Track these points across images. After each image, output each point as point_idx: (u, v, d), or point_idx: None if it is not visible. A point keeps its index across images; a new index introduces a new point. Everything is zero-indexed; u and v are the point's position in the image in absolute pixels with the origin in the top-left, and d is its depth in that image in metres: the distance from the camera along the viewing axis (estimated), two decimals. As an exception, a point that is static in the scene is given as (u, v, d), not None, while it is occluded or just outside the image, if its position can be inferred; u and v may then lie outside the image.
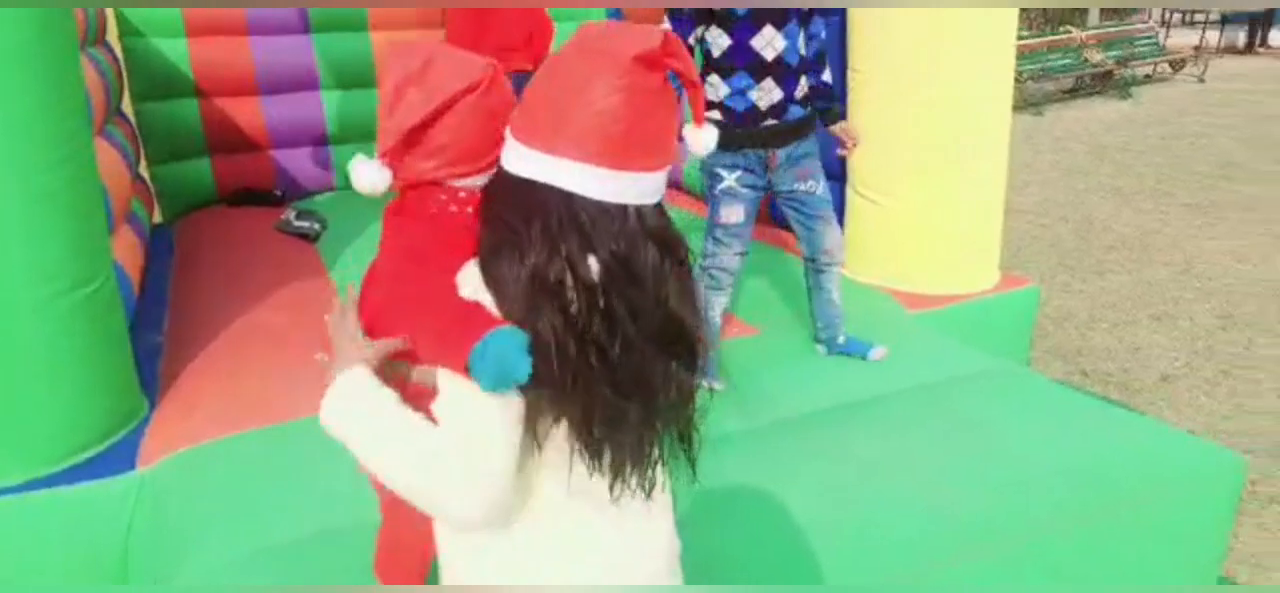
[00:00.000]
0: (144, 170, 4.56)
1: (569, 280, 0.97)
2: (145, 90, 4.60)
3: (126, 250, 3.20)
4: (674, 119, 1.02)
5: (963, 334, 3.21)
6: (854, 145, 2.83)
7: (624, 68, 0.95)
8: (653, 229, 1.01)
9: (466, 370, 0.96)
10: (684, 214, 4.58)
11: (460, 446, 1.00)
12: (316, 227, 4.10)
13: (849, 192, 3.61)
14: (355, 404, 1.07)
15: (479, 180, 1.18)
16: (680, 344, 1.05)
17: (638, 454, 1.05)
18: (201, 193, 4.76)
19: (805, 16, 2.59)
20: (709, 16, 2.53)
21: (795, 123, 2.64)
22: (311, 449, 2.12)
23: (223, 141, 4.81)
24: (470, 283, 1.03)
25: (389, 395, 1.06)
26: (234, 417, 2.44)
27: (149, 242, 3.85)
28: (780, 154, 2.62)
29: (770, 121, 2.58)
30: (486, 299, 1.00)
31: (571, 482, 1.03)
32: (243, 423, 2.40)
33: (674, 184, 5.11)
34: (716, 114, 2.56)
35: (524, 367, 0.95)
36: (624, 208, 0.98)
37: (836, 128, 2.78)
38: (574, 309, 0.97)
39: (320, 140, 4.99)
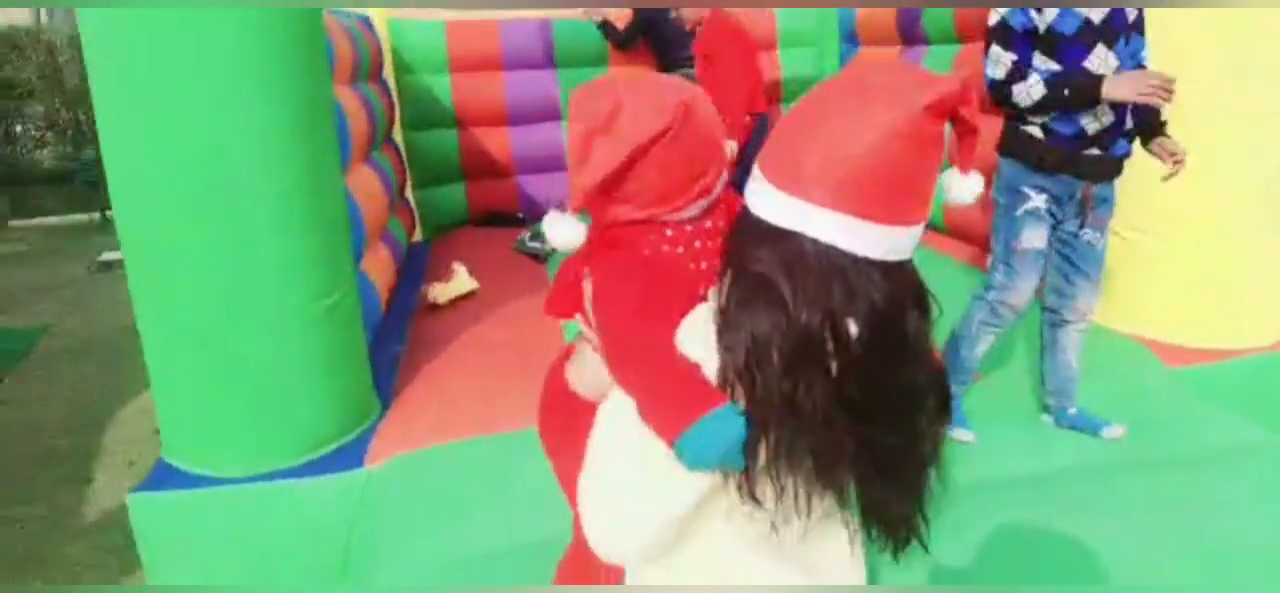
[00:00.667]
0: (409, 193, 5.09)
1: (831, 343, 0.91)
2: (414, 120, 5.12)
3: (379, 267, 3.57)
4: (939, 166, 0.93)
5: (1233, 398, 2.77)
6: (1179, 163, 2.38)
7: (914, 115, 0.86)
8: (911, 285, 0.95)
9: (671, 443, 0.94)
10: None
11: (635, 487, 0.99)
12: (548, 247, 4.34)
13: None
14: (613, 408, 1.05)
15: (690, 211, 1.13)
16: (938, 403, 0.99)
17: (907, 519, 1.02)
18: (456, 214, 5.22)
19: (1128, 31, 2.29)
20: (1032, 41, 2.28)
21: (1120, 159, 2.38)
22: (516, 459, 2.25)
23: (476, 167, 5.24)
24: (697, 336, 0.98)
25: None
26: (451, 423, 2.62)
27: (403, 259, 4.26)
28: (1095, 190, 2.36)
29: (1094, 151, 2.32)
30: (712, 358, 0.96)
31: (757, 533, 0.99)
32: (458, 430, 2.58)
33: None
34: (1035, 130, 2.34)
35: (737, 460, 0.93)
36: (886, 263, 0.91)
37: (1158, 144, 2.40)
38: (834, 374, 0.92)
39: (559, 166, 5.28)
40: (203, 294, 2.27)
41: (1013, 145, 2.40)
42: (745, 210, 0.97)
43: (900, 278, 0.93)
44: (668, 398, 0.96)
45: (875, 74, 0.90)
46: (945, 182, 1.02)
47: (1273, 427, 2.57)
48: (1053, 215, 2.41)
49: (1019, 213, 2.40)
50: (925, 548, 1.03)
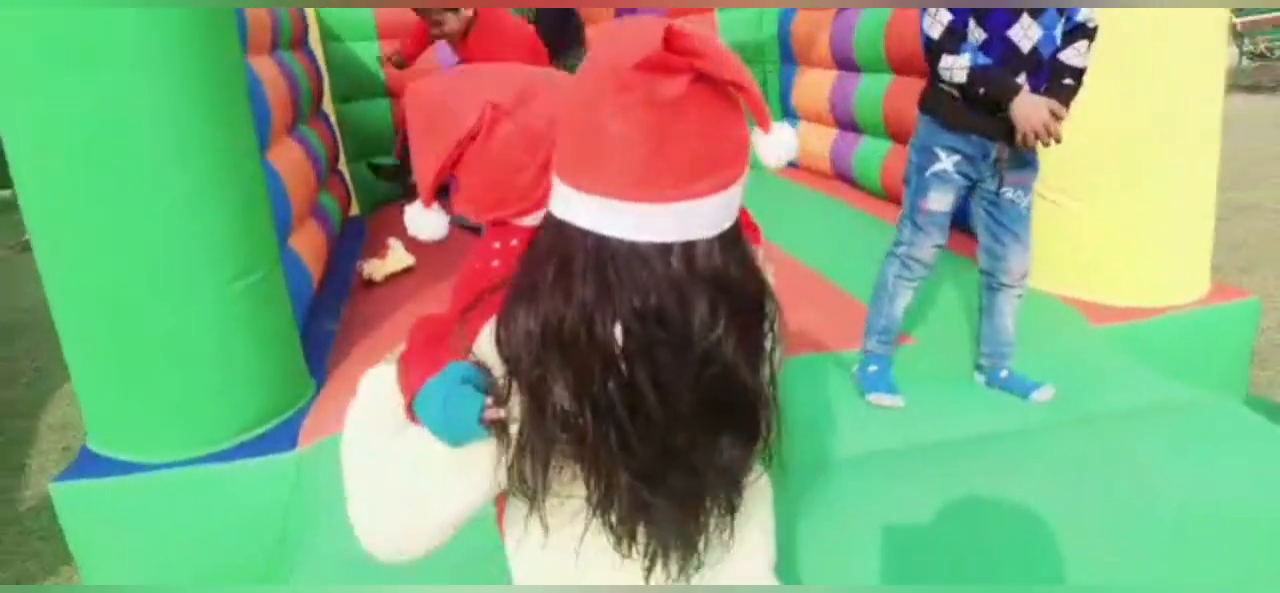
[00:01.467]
0: (343, 166, 4.96)
1: (586, 338, 0.82)
2: (345, 91, 4.98)
3: (309, 243, 3.47)
4: (728, 127, 0.82)
5: (1160, 356, 2.84)
6: (1051, 125, 2.36)
7: (624, 81, 0.77)
8: (705, 272, 0.82)
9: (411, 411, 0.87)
10: (850, 209, 4.38)
11: (391, 474, 0.93)
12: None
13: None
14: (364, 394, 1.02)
15: (532, 218, 1.09)
16: (735, 414, 0.88)
17: (680, 536, 0.91)
18: (392, 188, 5.10)
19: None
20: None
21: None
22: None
23: (412, 138, 5.12)
24: (485, 339, 0.90)
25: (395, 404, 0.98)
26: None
27: (337, 234, 4.16)
28: (1008, 151, 2.37)
29: (1006, 112, 2.31)
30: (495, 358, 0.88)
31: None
32: (392, 410, 2.54)
33: (843, 177, 4.92)
34: (950, 90, 2.34)
35: (470, 424, 0.85)
36: (665, 248, 0.81)
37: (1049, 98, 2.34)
38: (590, 374, 0.82)
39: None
40: (116, 277, 2.19)
41: (930, 102, 2.42)
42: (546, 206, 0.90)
43: (689, 265, 0.82)
44: (411, 357, 0.93)
45: (598, 42, 0.83)
46: (756, 147, 0.91)
47: (1195, 383, 2.65)
48: (967, 176, 2.43)
49: (928, 173, 2.43)
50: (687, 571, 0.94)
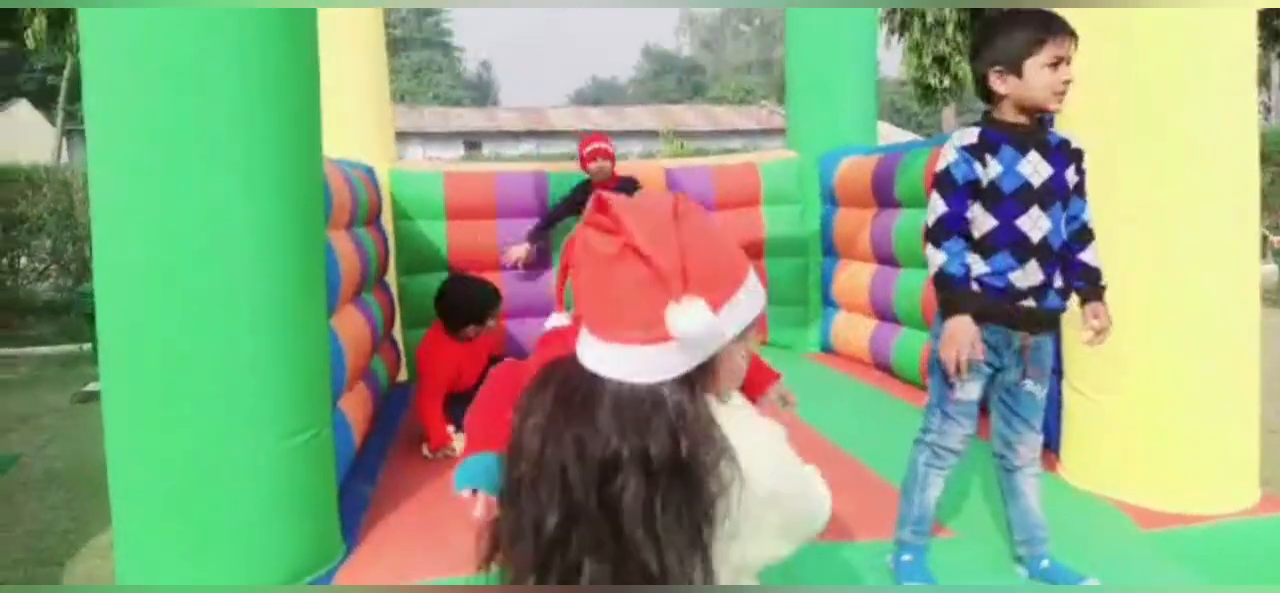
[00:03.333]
0: (398, 333, 5.15)
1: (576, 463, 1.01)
2: (408, 264, 5.24)
3: (357, 405, 3.59)
4: (653, 292, 0.99)
5: (1210, 565, 2.73)
6: (1104, 325, 2.44)
7: (582, 239, 1.04)
8: (663, 409, 1.01)
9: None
10: (889, 398, 4.36)
11: None
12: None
13: (1064, 387, 3.28)
14: None
15: None
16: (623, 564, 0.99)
17: None
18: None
19: (1067, 196, 2.40)
20: (974, 193, 2.36)
21: (1053, 312, 2.45)
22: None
23: (466, 311, 5.33)
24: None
25: None
26: (410, 567, 2.58)
27: (382, 398, 4.28)
28: (1032, 342, 2.43)
29: (1028, 303, 2.38)
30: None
31: None
32: (415, 573, 2.54)
33: (882, 366, 4.94)
34: (972, 285, 2.39)
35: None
36: (655, 389, 1.01)
37: (1092, 307, 2.44)
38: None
39: (549, 311, 5.37)
40: (176, 420, 2.29)
41: (950, 300, 2.42)
42: None
43: (655, 402, 1.01)
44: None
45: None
46: (670, 317, 1.00)
47: (1248, 596, 2.53)
48: (991, 365, 2.46)
49: None
50: None
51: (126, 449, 2.37)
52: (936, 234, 2.38)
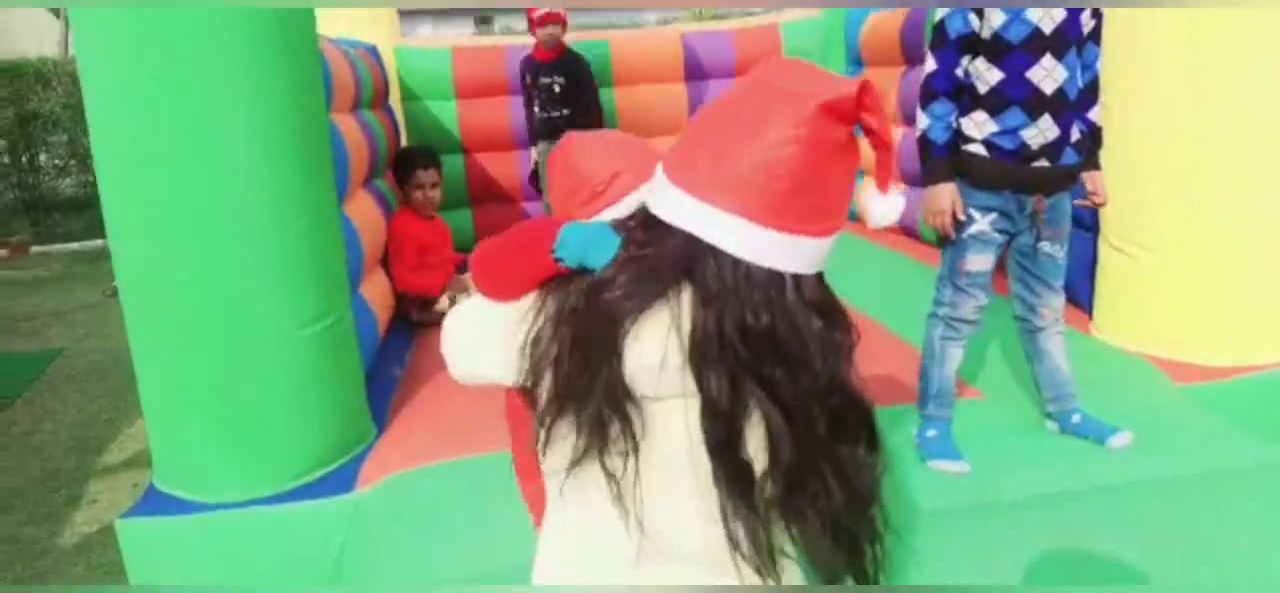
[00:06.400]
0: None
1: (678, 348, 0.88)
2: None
3: (378, 293, 3.57)
4: (852, 181, 0.90)
5: (1244, 416, 2.69)
6: (1102, 201, 2.49)
7: (806, 116, 0.83)
8: (813, 302, 0.89)
9: (552, 256, 0.95)
10: (913, 262, 4.30)
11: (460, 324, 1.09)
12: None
13: (1101, 245, 3.19)
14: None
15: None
16: (858, 426, 0.93)
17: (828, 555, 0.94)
18: (462, 240, 5.22)
19: (1082, 41, 2.26)
20: (974, 46, 2.24)
21: (1070, 169, 2.33)
22: (509, 479, 2.24)
23: (483, 192, 5.26)
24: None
25: None
26: (445, 445, 2.60)
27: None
28: (1047, 203, 2.32)
29: (1042, 163, 2.26)
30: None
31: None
32: (452, 451, 2.56)
33: (905, 230, 4.84)
34: (976, 148, 2.28)
35: (608, 245, 0.92)
36: (778, 277, 0.87)
37: (1089, 177, 2.44)
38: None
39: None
40: (194, 317, 2.28)
41: (957, 165, 2.33)
42: (641, 205, 0.96)
43: (800, 295, 0.89)
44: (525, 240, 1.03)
45: (777, 74, 0.88)
46: (862, 202, 0.98)
47: (1282, 445, 2.50)
48: (1005, 231, 2.37)
49: (965, 236, 2.36)
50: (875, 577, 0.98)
51: (148, 348, 2.37)
52: (923, 95, 2.27)
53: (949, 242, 2.42)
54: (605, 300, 0.90)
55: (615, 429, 0.91)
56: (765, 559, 0.92)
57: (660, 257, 0.89)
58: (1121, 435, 2.42)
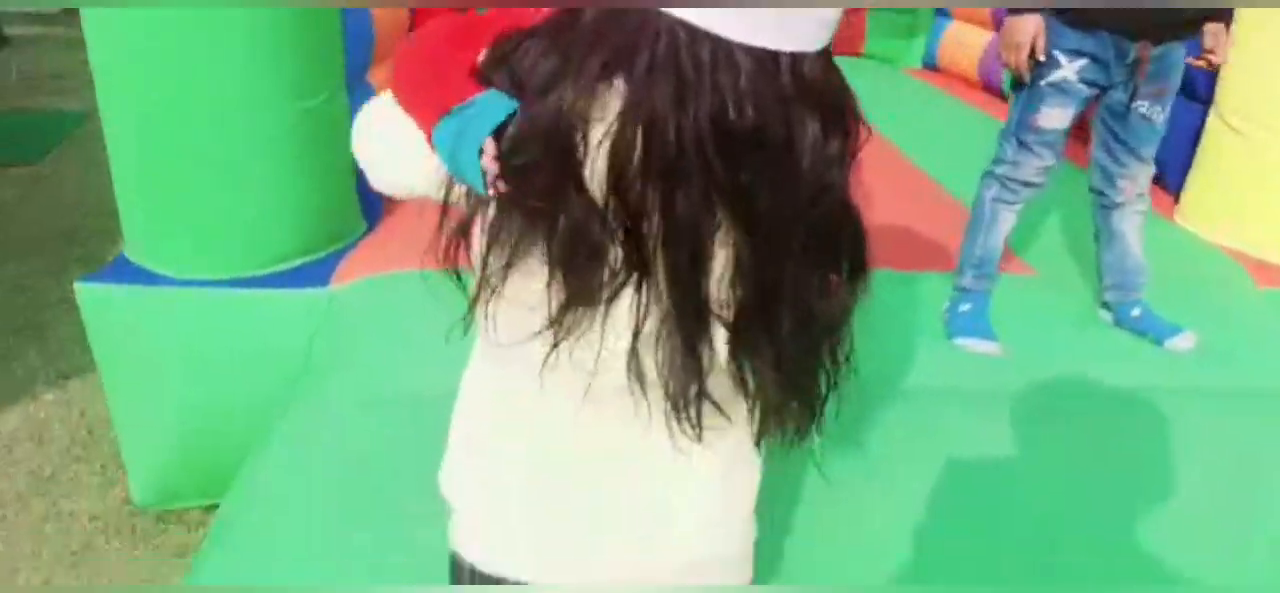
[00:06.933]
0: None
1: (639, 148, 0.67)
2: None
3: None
4: None
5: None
6: (1220, 61, 2.08)
7: None
8: (812, 92, 0.69)
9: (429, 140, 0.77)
10: (988, 119, 3.86)
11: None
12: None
13: (1212, 118, 2.76)
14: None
15: None
16: (839, 245, 0.76)
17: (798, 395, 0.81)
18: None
19: None
20: None
21: (1193, 14, 1.95)
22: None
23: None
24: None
25: None
26: (422, 247, 2.42)
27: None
28: (1154, 52, 1.94)
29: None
30: None
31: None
32: (430, 261, 2.38)
33: (990, 88, 4.37)
34: None
35: (471, 164, 0.73)
36: (771, 58, 0.67)
37: (1211, 30, 2.03)
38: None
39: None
40: (169, 84, 2.07)
41: None
42: None
43: (797, 78, 0.68)
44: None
45: None
46: None
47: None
48: (1093, 83, 1.98)
49: (1043, 83, 1.99)
50: (811, 436, 0.84)
51: (118, 109, 2.19)
52: None
53: (1022, 86, 2.06)
54: (553, 101, 0.70)
55: (615, 254, 0.71)
56: (694, 420, 0.78)
57: (609, 30, 0.69)
58: (1184, 337, 2.11)
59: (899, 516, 1.60)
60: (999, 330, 2.15)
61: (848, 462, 1.62)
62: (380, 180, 0.91)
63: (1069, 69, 1.97)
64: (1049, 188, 2.16)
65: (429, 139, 0.77)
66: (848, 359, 0.83)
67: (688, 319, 0.73)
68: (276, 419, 1.93)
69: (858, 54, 5.17)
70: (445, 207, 0.83)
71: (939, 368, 1.99)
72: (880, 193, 2.99)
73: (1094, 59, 1.95)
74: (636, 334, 0.74)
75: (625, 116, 0.67)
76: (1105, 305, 2.27)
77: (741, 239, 0.71)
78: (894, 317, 2.23)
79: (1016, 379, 1.95)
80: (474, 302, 0.82)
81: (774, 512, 1.30)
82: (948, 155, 3.34)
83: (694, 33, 0.66)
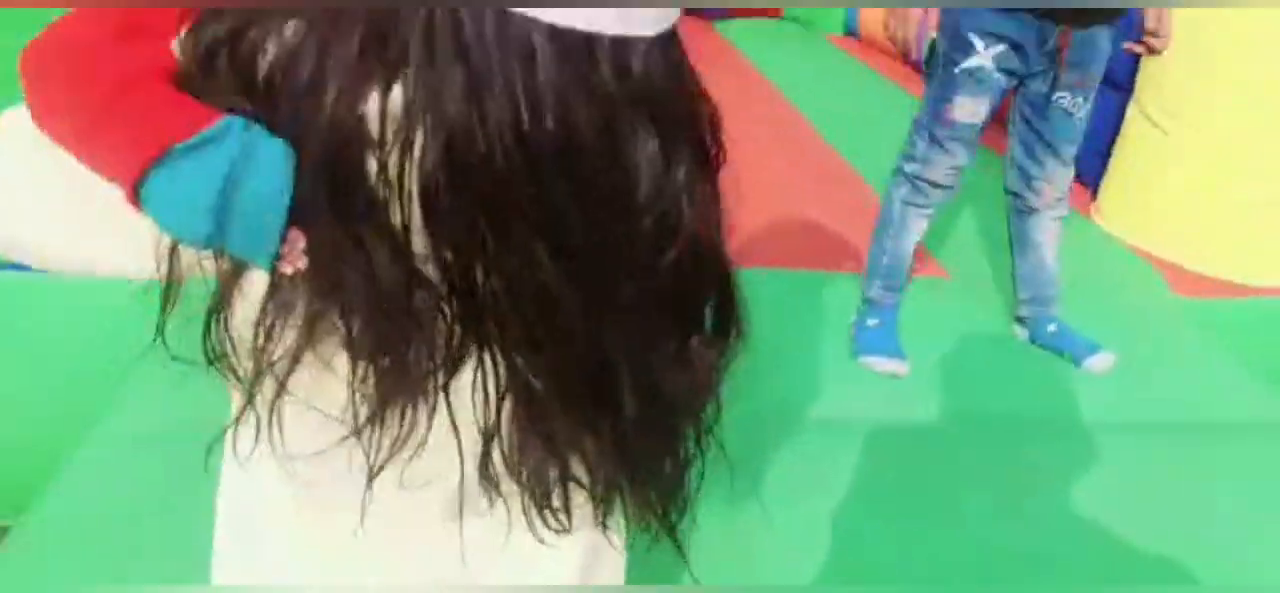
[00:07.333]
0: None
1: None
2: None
3: None
4: None
5: (1244, 343, 2.27)
6: (1162, 46, 1.98)
7: None
8: (647, 92, 0.52)
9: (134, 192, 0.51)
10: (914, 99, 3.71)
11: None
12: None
13: (1131, 108, 2.66)
14: None
15: None
16: (699, 301, 0.62)
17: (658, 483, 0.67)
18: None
19: None
20: None
21: None
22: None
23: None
24: None
25: None
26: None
27: None
28: (1077, 36, 1.79)
29: None
30: None
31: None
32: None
33: (913, 63, 4.23)
34: None
35: (273, 229, 0.51)
36: (587, 43, 0.50)
37: (1153, 12, 1.92)
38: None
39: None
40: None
41: None
42: None
43: (620, 76, 0.51)
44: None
45: None
46: None
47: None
48: (1012, 72, 1.83)
49: (958, 70, 1.82)
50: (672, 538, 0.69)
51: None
52: None
53: (931, 75, 1.90)
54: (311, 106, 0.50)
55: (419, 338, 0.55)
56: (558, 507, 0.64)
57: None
58: (1101, 357, 2.00)
59: (794, 561, 1.45)
60: (909, 343, 2.00)
61: (739, 503, 1.45)
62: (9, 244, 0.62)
63: (985, 56, 1.81)
64: (966, 176, 2.01)
65: (131, 194, 0.52)
66: (710, 432, 0.68)
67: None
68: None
69: (778, 14, 4.99)
70: (169, 291, 0.57)
71: (842, 394, 1.84)
72: (790, 177, 2.88)
73: (1012, 45, 1.80)
74: (489, 436, 0.59)
75: (411, 120, 0.49)
76: (1020, 319, 2.15)
77: (547, 290, 0.54)
78: (797, 325, 2.07)
79: (924, 410, 1.82)
80: (240, 413, 0.61)
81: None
82: (864, 137, 3.18)
83: (475, 14, 0.48)
